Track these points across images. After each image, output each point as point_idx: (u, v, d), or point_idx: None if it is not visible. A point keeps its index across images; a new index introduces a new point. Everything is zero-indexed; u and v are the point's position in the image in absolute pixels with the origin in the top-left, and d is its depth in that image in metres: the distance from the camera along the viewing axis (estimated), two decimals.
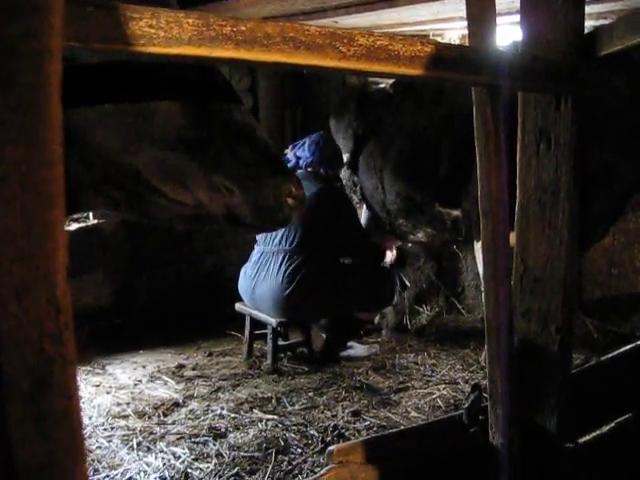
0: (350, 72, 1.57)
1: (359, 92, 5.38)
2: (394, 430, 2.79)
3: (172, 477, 2.92)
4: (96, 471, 2.96)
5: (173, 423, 3.54)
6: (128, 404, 3.82)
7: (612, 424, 2.62)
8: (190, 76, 1.99)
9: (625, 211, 4.49)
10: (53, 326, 0.63)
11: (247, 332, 4.73)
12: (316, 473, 2.15)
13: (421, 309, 5.65)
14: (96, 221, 5.32)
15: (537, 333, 2.34)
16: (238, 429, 3.46)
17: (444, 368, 4.41)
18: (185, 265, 5.79)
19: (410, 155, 4.60)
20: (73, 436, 0.67)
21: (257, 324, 4.66)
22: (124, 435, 3.37)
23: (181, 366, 4.54)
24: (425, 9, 4.37)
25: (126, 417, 3.62)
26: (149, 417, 3.62)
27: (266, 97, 6.34)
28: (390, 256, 5.03)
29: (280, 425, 3.49)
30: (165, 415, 3.66)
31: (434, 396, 3.91)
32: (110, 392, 4.04)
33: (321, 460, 2.99)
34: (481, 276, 2.35)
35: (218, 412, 3.68)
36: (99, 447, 3.22)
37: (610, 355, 2.88)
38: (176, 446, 3.22)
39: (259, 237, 4.67)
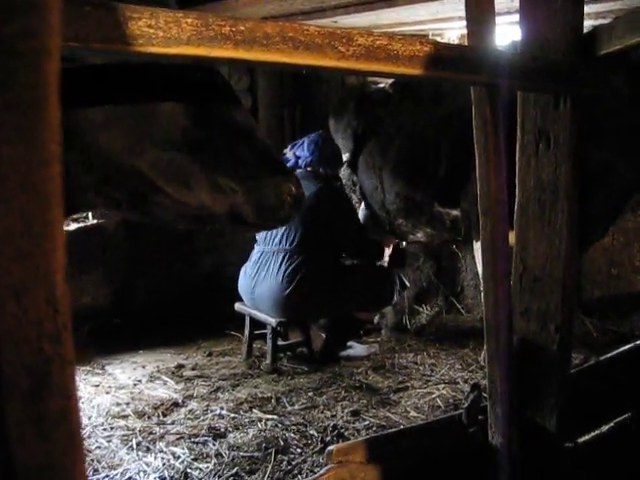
0: (349, 72, 1.57)
1: (358, 92, 5.39)
2: (393, 430, 2.79)
3: (172, 477, 2.92)
4: (96, 471, 2.96)
5: (173, 423, 3.54)
6: (127, 404, 3.82)
7: (611, 424, 2.62)
8: (191, 77, 2.00)
9: (624, 210, 4.49)
10: (52, 326, 0.63)
11: (247, 332, 4.73)
12: (316, 473, 2.15)
13: (420, 309, 5.65)
14: (95, 221, 5.32)
15: (536, 332, 2.34)
16: (238, 429, 3.46)
17: (443, 368, 4.41)
18: (185, 265, 5.79)
19: (409, 155, 4.60)
20: (72, 436, 0.67)
21: (257, 324, 4.66)
22: (123, 435, 3.36)
23: (181, 366, 4.54)
24: (424, 9, 4.37)
25: (125, 417, 3.62)
26: (148, 417, 3.62)
27: (265, 97, 6.34)
28: (388, 253, 5.05)
29: (280, 425, 3.49)
30: (165, 415, 3.66)
31: (433, 396, 3.91)
32: (109, 392, 4.04)
33: (321, 460, 2.99)
34: (480, 276, 2.36)
35: (218, 412, 3.68)
36: (98, 447, 3.22)
37: (609, 355, 2.88)
38: (176, 446, 3.22)
39: (259, 237, 4.67)
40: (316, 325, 4.78)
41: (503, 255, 2.03)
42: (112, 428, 3.46)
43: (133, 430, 3.42)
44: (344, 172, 5.11)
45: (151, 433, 3.39)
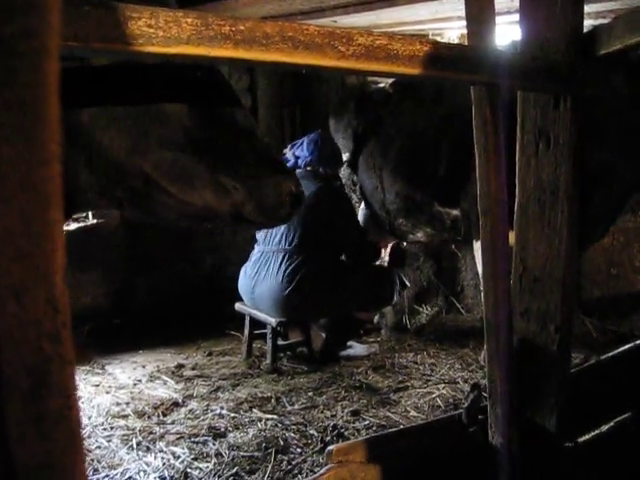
0: (349, 71, 1.57)
1: (358, 91, 5.39)
2: (393, 429, 2.78)
3: (172, 477, 2.92)
4: (96, 471, 2.96)
5: (172, 423, 3.54)
6: (127, 404, 3.82)
7: (611, 423, 2.62)
8: (193, 77, 2.01)
9: (624, 211, 4.49)
10: (51, 325, 0.63)
11: (247, 332, 4.73)
12: (315, 473, 2.15)
13: (420, 309, 5.65)
14: (96, 221, 5.32)
15: (536, 332, 2.34)
16: (238, 429, 3.46)
17: (443, 367, 4.41)
18: (185, 265, 5.79)
19: (409, 154, 4.60)
20: (72, 436, 0.67)
21: (257, 324, 4.66)
22: (123, 435, 3.37)
23: (181, 366, 4.54)
24: (424, 8, 4.38)
25: (125, 417, 3.62)
26: (148, 417, 3.62)
27: (265, 96, 6.34)
28: (387, 253, 5.07)
29: (280, 425, 3.49)
30: (165, 415, 3.66)
31: (433, 395, 3.91)
32: (109, 392, 4.04)
33: (320, 460, 2.99)
34: (480, 275, 2.35)
35: (218, 412, 3.68)
36: (98, 447, 3.22)
37: (609, 354, 2.88)
38: (175, 446, 3.22)
39: (259, 237, 4.68)
40: (316, 325, 4.78)
41: (503, 255, 2.03)
42: (112, 428, 3.46)
43: (133, 430, 3.42)
44: (344, 172, 5.11)
45: (151, 433, 3.39)
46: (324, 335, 4.77)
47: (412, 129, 4.60)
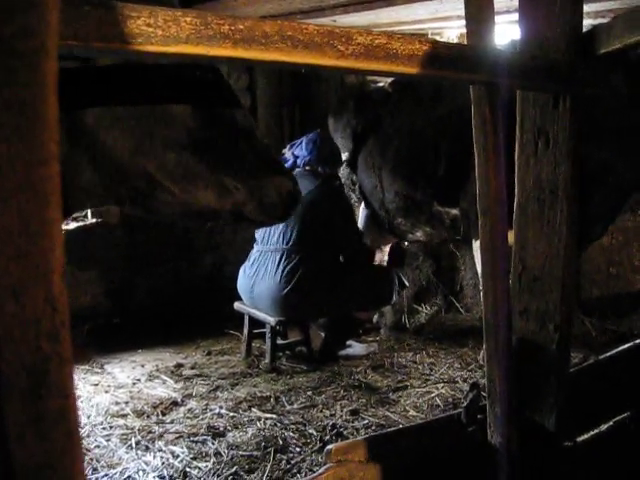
0: (348, 71, 1.57)
1: (358, 91, 5.39)
2: (392, 429, 2.79)
3: (171, 476, 2.92)
4: (95, 470, 2.96)
5: (172, 422, 3.54)
6: (127, 403, 3.82)
7: (610, 423, 2.62)
8: (194, 77, 2.03)
9: (623, 210, 4.49)
10: (50, 325, 0.63)
11: (246, 331, 4.73)
12: (314, 472, 2.15)
13: (420, 308, 5.65)
14: (95, 220, 5.32)
15: (535, 332, 2.33)
16: (237, 428, 3.46)
17: (443, 367, 4.41)
18: (184, 264, 5.79)
19: (409, 154, 4.60)
20: (70, 435, 0.67)
21: (256, 323, 4.66)
22: (123, 434, 3.37)
23: (180, 365, 4.54)
24: (423, 8, 4.38)
25: (125, 416, 3.62)
26: (148, 416, 3.62)
27: (264, 96, 6.34)
28: (379, 258, 5.09)
29: (279, 424, 3.49)
30: (164, 414, 3.66)
31: (433, 395, 3.91)
32: (109, 391, 4.05)
33: (320, 459, 2.99)
34: (479, 275, 2.35)
35: (217, 411, 3.68)
36: (98, 446, 3.22)
37: (608, 354, 2.88)
38: (175, 445, 3.22)
39: (257, 236, 4.68)
40: (315, 324, 4.78)
41: (502, 254, 2.03)
42: (111, 427, 3.46)
43: (132, 429, 3.42)
44: (343, 171, 5.11)
45: (150, 432, 3.39)
46: (323, 334, 4.77)
47: (411, 128, 4.60)
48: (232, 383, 4.17)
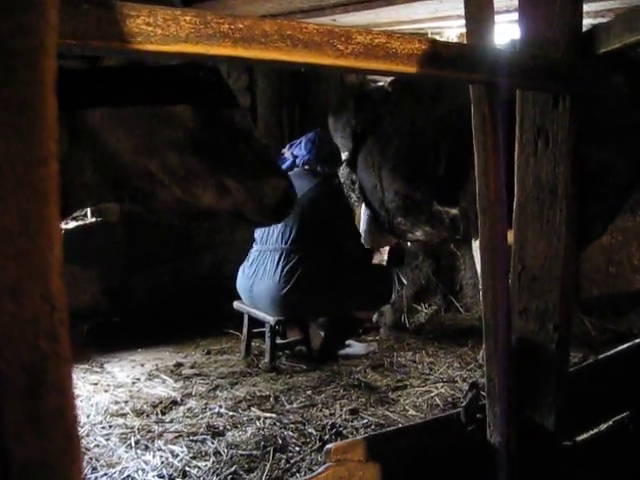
0: (348, 70, 1.57)
1: (357, 90, 5.39)
2: (392, 428, 2.79)
3: (170, 475, 2.92)
4: (94, 469, 2.96)
5: (171, 421, 3.54)
6: (126, 402, 3.82)
7: (610, 422, 2.62)
8: (195, 78, 2.05)
9: (623, 209, 4.49)
10: (48, 323, 0.63)
11: (245, 330, 4.73)
12: (314, 471, 2.15)
13: (419, 307, 5.65)
14: (94, 219, 5.32)
15: (535, 331, 2.34)
16: (236, 427, 3.46)
17: (442, 366, 4.41)
18: (184, 263, 5.79)
19: (408, 153, 4.60)
20: (69, 434, 0.67)
21: (255, 322, 4.66)
22: (122, 433, 3.36)
23: (179, 364, 4.54)
24: (423, 7, 4.38)
25: (124, 415, 3.62)
26: (147, 415, 3.62)
27: (264, 95, 6.34)
28: (379, 257, 5.10)
29: (278, 423, 3.49)
30: (163, 413, 3.66)
31: (432, 394, 3.91)
32: (108, 390, 4.04)
33: (319, 458, 2.99)
34: (479, 274, 2.36)
35: (216, 410, 3.68)
36: (97, 445, 3.22)
37: (608, 353, 2.88)
38: (174, 444, 3.22)
39: (257, 236, 4.67)
40: (315, 323, 4.78)
41: (502, 254, 2.03)
42: (111, 426, 3.46)
43: (132, 428, 3.42)
44: (343, 171, 5.11)
45: (150, 431, 3.39)
46: (323, 334, 4.76)
47: (411, 128, 4.60)
48: (231, 382, 4.17)
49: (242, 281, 4.65)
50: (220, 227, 5.69)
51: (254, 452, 3.13)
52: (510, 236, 2.23)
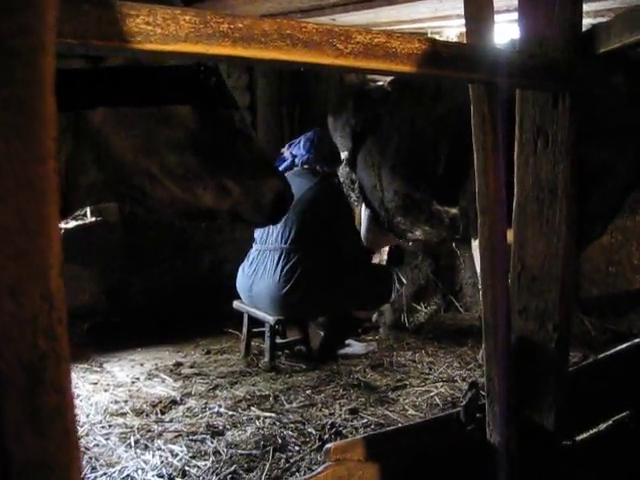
0: (347, 69, 1.57)
1: (357, 90, 5.38)
2: (391, 428, 2.79)
3: (170, 475, 2.92)
4: (94, 469, 2.96)
5: (171, 421, 3.54)
6: (126, 402, 3.82)
7: (610, 422, 2.62)
8: (198, 79, 2.06)
9: (623, 209, 4.49)
10: (47, 322, 0.63)
11: (245, 330, 4.73)
12: (313, 471, 2.15)
13: (419, 307, 5.65)
14: (94, 219, 5.32)
15: (534, 331, 2.34)
16: (236, 427, 3.46)
17: (442, 366, 4.41)
18: (183, 263, 5.79)
19: (408, 153, 4.60)
20: (67, 433, 0.67)
21: (255, 322, 4.66)
22: (122, 433, 3.36)
23: (179, 364, 4.54)
24: (423, 7, 4.37)
25: (124, 415, 3.62)
26: (147, 415, 3.62)
27: (264, 95, 6.34)
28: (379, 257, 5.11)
29: (278, 423, 3.49)
30: (163, 413, 3.66)
31: (432, 394, 3.91)
32: (108, 390, 4.04)
33: (318, 458, 2.99)
34: (479, 274, 2.36)
35: (216, 410, 3.68)
36: (97, 445, 3.22)
37: (608, 353, 2.88)
38: (174, 444, 3.22)
39: (256, 235, 4.67)
40: (314, 323, 4.78)
41: (501, 253, 2.03)
42: (110, 426, 3.46)
43: (131, 428, 3.42)
44: (343, 170, 5.11)
45: (149, 431, 3.39)
46: (322, 333, 4.76)
47: (410, 127, 4.60)
48: (231, 382, 4.17)
49: (242, 280, 4.65)
50: (220, 227, 5.69)
51: (254, 451, 3.13)
52: (510, 236, 2.23)
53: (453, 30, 5.51)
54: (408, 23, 5.08)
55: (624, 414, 2.68)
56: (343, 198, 4.80)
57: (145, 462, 3.03)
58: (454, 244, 5.53)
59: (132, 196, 2.08)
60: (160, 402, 3.80)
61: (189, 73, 2.04)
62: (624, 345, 2.97)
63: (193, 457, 3.09)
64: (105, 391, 4.02)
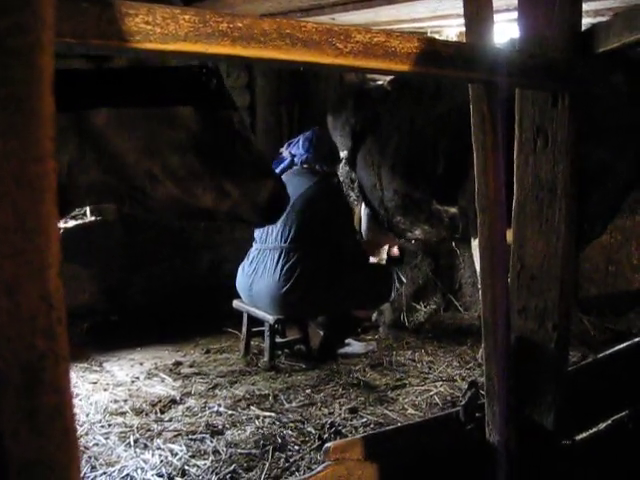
0: (347, 69, 1.57)
1: (356, 89, 5.38)
2: (391, 427, 2.79)
3: (169, 474, 2.92)
4: (93, 468, 2.96)
5: (170, 420, 3.54)
6: (125, 401, 3.82)
7: (609, 421, 2.62)
8: (201, 81, 2.07)
9: (622, 209, 4.49)
10: (45, 322, 0.63)
11: (244, 329, 4.73)
12: (313, 470, 2.15)
13: (418, 306, 5.65)
14: (93, 218, 5.32)
15: (534, 330, 2.33)
16: (235, 426, 3.46)
17: (441, 365, 4.41)
18: (183, 262, 5.79)
19: (408, 152, 4.60)
20: (66, 432, 0.67)
21: (255, 321, 4.66)
22: (121, 432, 3.37)
23: (178, 363, 4.54)
24: (423, 6, 4.37)
25: (123, 414, 3.62)
26: (146, 414, 3.62)
27: (263, 94, 6.34)
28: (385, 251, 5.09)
29: (277, 422, 3.49)
30: (162, 412, 3.66)
31: (431, 393, 3.91)
32: (107, 389, 4.04)
33: (318, 457, 2.99)
34: (478, 273, 2.36)
35: (215, 409, 3.68)
36: (96, 444, 3.22)
37: (607, 352, 2.88)
38: (173, 443, 3.22)
39: (256, 235, 4.67)
40: (314, 322, 4.78)
41: (501, 253, 2.03)
42: (110, 425, 3.46)
43: (131, 427, 3.42)
44: (342, 169, 5.11)
45: (149, 430, 3.39)
46: (322, 333, 4.76)
47: (410, 126, 4.60)
48: (231, 381, 4.17)
49: (241, 279, 4.65)
50: (220, 226, 5.69)
51: (253, 451, 3.13)
52: (509, 235, 2.23)
53: (453, 29, 5.51)
54: (408, 22, 5.08)
55: (623, 414, 2.68)
56: (342, 197, 4.80)
57: (144, 461, 3.03)
58: (454, 243, 5.53)
59: (132, 196, 2.09)
60: (159, 401, 3.80)
61: (191, 74, 2.05)
62: (623, 344, 2.97)
63: (192, 456, 3.09)
64: (105, 390, 4.02)
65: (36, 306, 0.63)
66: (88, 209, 5.25)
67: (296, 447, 3.19)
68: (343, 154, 5.00)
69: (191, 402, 3.80)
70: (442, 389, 3.97)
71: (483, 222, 2.01)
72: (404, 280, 5.07)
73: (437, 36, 5.36)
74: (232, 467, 2.97)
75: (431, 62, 1.65)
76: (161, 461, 3.03)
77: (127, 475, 2.92)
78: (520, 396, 2.23)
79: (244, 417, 3.57)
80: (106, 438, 3.29)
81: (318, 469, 2.02)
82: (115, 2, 1.17)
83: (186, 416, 3.60)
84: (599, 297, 5.35)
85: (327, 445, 2.06)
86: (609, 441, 2.57)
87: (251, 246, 4.72)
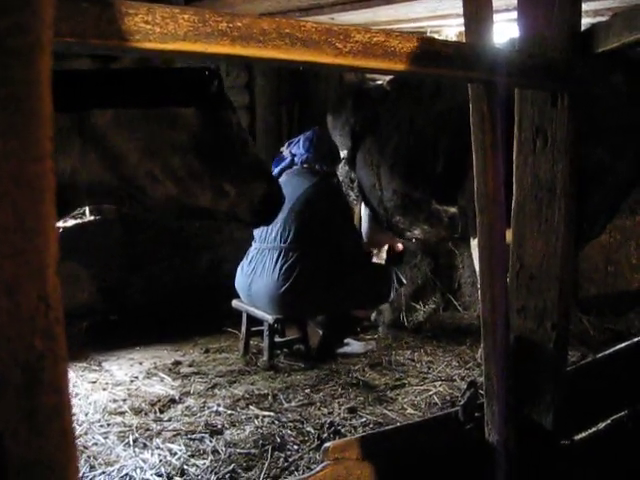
0: (346, 68, 1.57)
1: (356, 89, 5.38)
2: (390, 427, 2.79)
3: (168, 473, 2.92)
4: (92, 468, 2.96)
5: (169, 420, 3.54)
6: (124, 401, 3.82)
7: (608, 421, 2.62)
8: (202, 82, 2.09)
9: (622, 209, 4.49)
10: (44, 322, 0.63)
11: (244, 329, 4.72)
12: (312, 470, 2.15)
13: (418, 306, 5.65)
14: (92, 217, 5.32)
15: (533, 330, 2.34)
16: (234, 426, 3.46)
17: (440, 365, 4.41)
18: (182, 261, 5.78)
19: (407, 152, 4.60)
20: (65, 432, 0.67)
21: (254, 321, 4.66)
22: (120, 432, 3.36)
23: (177, 363, 4.54)
24: (422, 6, 4.38)
25: (122, 414, 3.62)
26: (145, 414, 3.62)
27: (263, 94, 6.34)
28: (385, 250, 5.10)
29: (276, 422, 3.49)
30: (161, 412, 3.66)
31: (430, 393, 3.91)
32: (106, 389, 4.04)
33: (317, 457, 2.99)
34: (477, 273, 2.36)
35: (214, 409, 3.68)
36: (95, 444, 3.22)
37: (606, 352, 2.88)
38: (172, 442, 3.22)
39: (255, 234, 4.67)
40: (313, 322, 4.78)
41: (500, 253, 2.03)
42: (109, 425, 3.46)
43: (130, 427, 3.42)
44: (342, 169, 5.11)
45: (148, 430, 3.39)
46: (321, 332, 4.76)
47: (409, 126, 4.60)
48: (230, 381, 4.17)
49: (241, 279, 4.65)
50: (219, 226, 5.69)
51: (252, 450, 3.13)
52: (508, 235, 2.23)
53: (452, 29, 5.51)
54: (407, 22, 5.08)
55: (622, 413, 2.68)
56: (342, 197, 4.80)
57: (144, 461, 3.03)
58: (452, 243, 5.54)
59: (132, 196, 2.10)
60: (159, 401, 3.80)
61: (193, 75, 2.07)
62: (623, 344, 2.97)
63: (192, 456, 3.09)
64: (104, 390, 4.02)
65: (35, 306, 0.63)
66: (87, 208, 5.25)
67: (295, 447, 3.19)
68: (343, 154, 5.00)
69: (190, 402, 3.80)
70: (441, 389, 3.97)
71: (482, 222, 2.01)
72: (403, 280, 5.07)
73: (436, 36, 5.36)
74: (231, 467, 2.97)
75: (430, 62, 1.65)
76: (160, 461, 3.03)
77: (126, 475, 2.91)
78: (519, 396, 2.24)
79: (243, 417, 3.57)
80: (105, 437, 3.29)
81: (317, 469, 2.02)
82: (115, 1, 1.17)
83: (185, 416, 3.60)
84: (598, 297, 5.35)
85: (326, 445, 2.06)
86: (608, 441, 2.57)
87: (250, 246, 4.72)
